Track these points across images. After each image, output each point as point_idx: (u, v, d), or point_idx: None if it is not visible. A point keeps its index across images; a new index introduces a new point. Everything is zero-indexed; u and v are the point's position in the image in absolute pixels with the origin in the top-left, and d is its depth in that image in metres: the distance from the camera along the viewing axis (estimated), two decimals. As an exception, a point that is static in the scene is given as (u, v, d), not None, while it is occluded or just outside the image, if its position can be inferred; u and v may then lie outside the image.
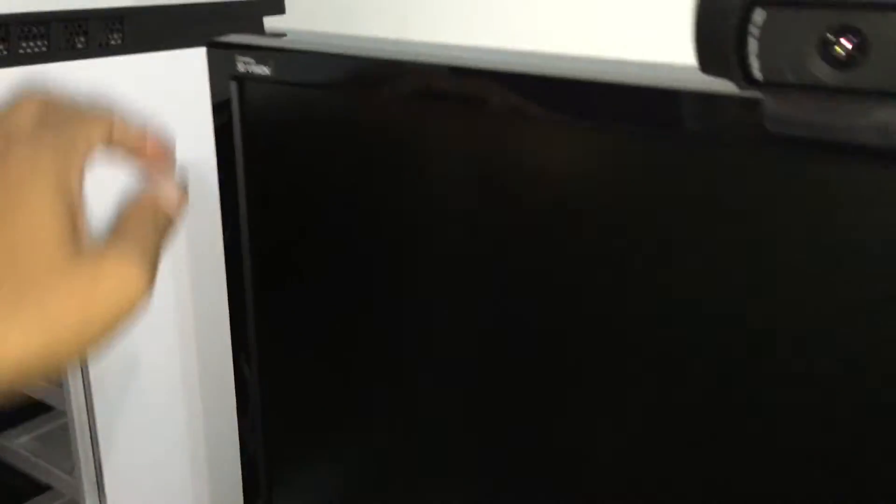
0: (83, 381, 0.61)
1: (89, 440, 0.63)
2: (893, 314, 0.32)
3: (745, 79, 0.30)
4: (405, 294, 0.50)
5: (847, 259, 0.32)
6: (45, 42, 0.52)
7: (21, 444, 0.71)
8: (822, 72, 0.29)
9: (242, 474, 0.66)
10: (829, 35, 0.28)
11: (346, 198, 0.50)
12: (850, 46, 0.28)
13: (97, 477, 0.64)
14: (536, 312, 0.43)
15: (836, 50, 0.29)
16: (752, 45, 0.30)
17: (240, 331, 0.58)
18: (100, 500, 0.64)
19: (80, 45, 0.54)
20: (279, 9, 0.66)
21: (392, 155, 0.46)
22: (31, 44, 0.51)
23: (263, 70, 0.46)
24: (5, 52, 0.51)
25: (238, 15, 0.62)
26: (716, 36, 0.31)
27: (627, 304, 0.39)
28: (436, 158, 0.45)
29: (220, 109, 0.50)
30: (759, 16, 0.29)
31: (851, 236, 0.32)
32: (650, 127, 0.35)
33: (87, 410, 0.62)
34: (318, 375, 0.58)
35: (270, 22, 0.66)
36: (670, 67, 0.35)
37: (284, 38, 0.61)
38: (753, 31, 0.30)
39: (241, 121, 0.50)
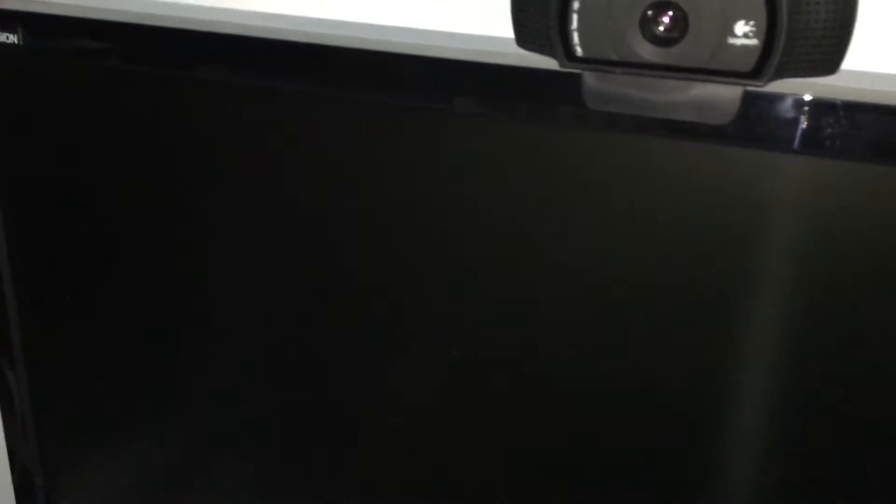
0: None
1: None
2: (692, 297, 0.32)
3: (568, 56, 0.29)
4: (171, 287, 0.45)
5: (649, 237, 0.33)
6: None
7: None
8: (644, 49, 0.28)
9: (14, 482, 0.59)
10: (649, 12, 0.28)
11: (102, 182, 0.44)
12: (669, 23, 0.28)
13: None
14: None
15: (656, 27, 0.28)
16: (573, 21, 0.29)
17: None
18: None
19: None
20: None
21: (148, 132, 0.41)
22: None
23: (9, 38, 0.39)
24: None
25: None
26: (537, 12, 0.29)
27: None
28: (193, 135, 0.41)
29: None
30: (579, -10, 0.28)
31: (667, 215, 0.32)
32: (468, 103, 0.33)
33: None
34: (89, 376, 0.52)
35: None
36: (488, 40, 0.33)
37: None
38: (575, 6, 0.28)
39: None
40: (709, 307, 0.32)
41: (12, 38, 0.39)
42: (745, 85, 0.28)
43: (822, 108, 0.28)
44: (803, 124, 0.28)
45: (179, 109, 0.40)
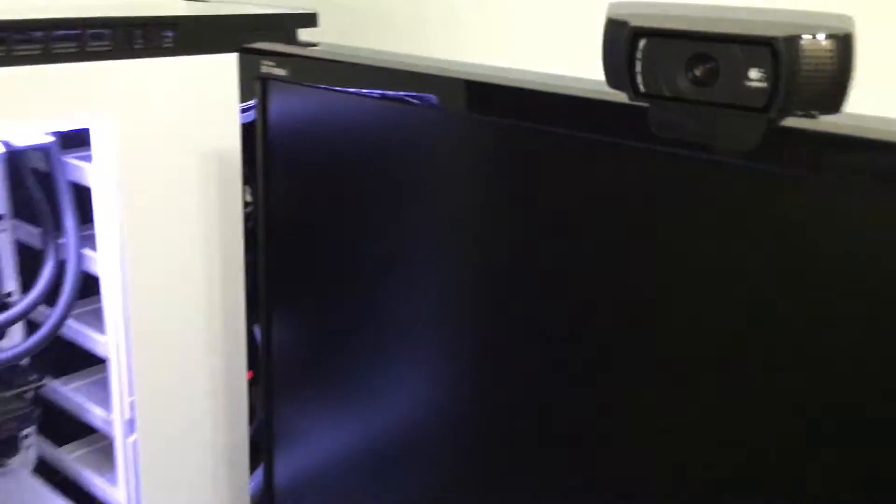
0: (125, 336, 0.71)
1: (126, 386, 0.73)
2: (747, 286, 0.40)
3: (635, 92, 0.39)
4: (405, 285, 0.58)
5: (707, 235, 0.40)
6: (111, 42, 0.63)
7: (71, 390, 0.82)
8: (686, 88, 0.37)
9: (250, 422, 0.76)
10: (690, 60, 0.37)
11: (347, 188, 0.59)
12: (704, 70, 0.37)
13: (132, 419, 0.74)
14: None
15: (695, 72, 0.37)
16: (637, 66, 0.38)
17: (254, 304, 0.68)
18: (128, 436, 0.74)
19: (137, 46, 0.64)
20: (312, 23, 0.76)
21: (381, 152, 0.56)
22: (97, 43, 0.62)
23: (281, 72, 0.56)
24: (74, 51, 0.61)
25: (275, 26, 0.72)
26: (614, 59, 0.39)
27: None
28: (423, 160, 0.54)
29: (247, 97, 0.60)
30: (641, 44, 0.38)
31: (713, 222, 0.40)
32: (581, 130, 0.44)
33: (126, 362, 0.72)
34: (321, 350, 0.67)
35: (304, 34, 0.76)
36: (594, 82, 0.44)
37: (308, 47, 0.70)
38: (638, 55, 0.38)
39: (262, 115, 0.60)
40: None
41: (283, 72, 0.56)
42: (758, 118, 0.35)
43: (823, 139, 0.35)
44: (809, 152, 0.35)
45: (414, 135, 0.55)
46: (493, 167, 0.50)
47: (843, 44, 0.34)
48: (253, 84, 0.59)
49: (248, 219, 0.70)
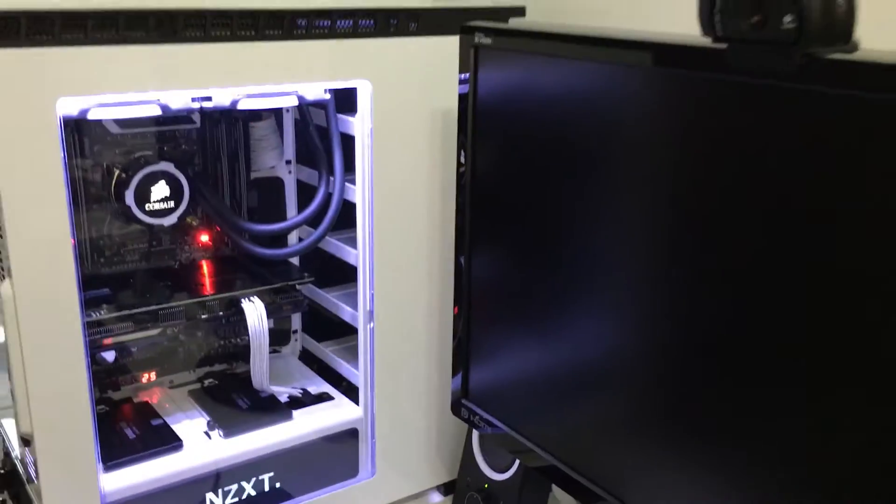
0: (370, 247, 0.96)
1: (369, 284, 0.98)
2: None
3: (714, 38, 0.56)
4: (595, 229, 0.75)
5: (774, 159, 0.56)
6: (373, 23, 0.88)
7: (331, 295, 1.09)
8: (748, 30, 0.53)
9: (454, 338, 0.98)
10: (749, 12, 0.53)
11: (546, 142, 0.79)
12: (759, 18, 0.53)
13: (371, 310, 0.99)
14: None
15: (752, 20, 0.53)
16: (717, 17, 0.55)
17: (461, 240, 0.90)
18: (370, 324, 0.99)
19: (392, 29, 0.89)
20: (521, 13, 0.97)
21: (575, 110, 0.75)
22: (365, 26, 0.87)
23: (487, 41, 0.78)
24: (350, 30, 0.87)
25: (492, 16, 0.94)
26: (703, 12, 0.56)
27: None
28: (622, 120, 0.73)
29: (464, 68, 0.83)
30: (718, 2, 0.55)
31: (776, 146, 0.55)
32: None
33: (369, 266, 0.97)
34: (514, 284, 0.87)
35: (514, 23, 0.97)
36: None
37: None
38: (717, 15, 0.55)
39: (474, 78, 0.82)
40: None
41: (489, 41, 0.78)
42: (793, 49, 0.51)
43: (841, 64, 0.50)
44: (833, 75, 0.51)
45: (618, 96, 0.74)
46: (665, 113, 0.68)
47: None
48: (468, 53, 0.81)
49: (461, 168, 0.93)
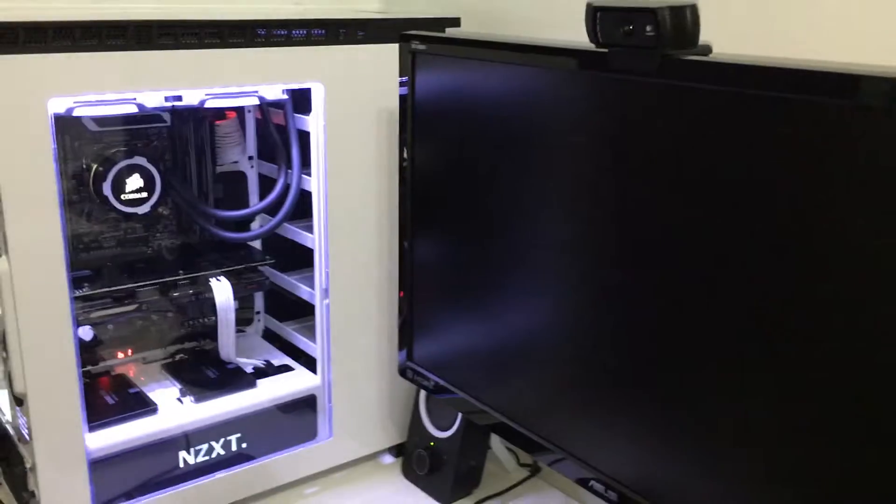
0: (324, 230, 1.08)
1: (324, 263, 1.10)
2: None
3: (597, 43, 0.69)
4: (523, 215, 0.90)
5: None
6: (324, 32, 1.00)
7: (290, 277, 1.21)
8: (620, 38, 0.67)
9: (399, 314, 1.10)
10: (621, 23, 0.66)
11: (479, 137, 0.92)
12: (627, 28, 0.66)
13: (326, 287, 1.11)
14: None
15: (623, 29, 0.67)
16: (598, 28, 0.68)
17: (404, 227, 1.03)
18: (325, 301, 1.11)
19: (341, 37, 1.01)
20: (457, 24, 1.10)
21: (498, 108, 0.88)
22: (317, 35, 0.99)
23: (423, 47, 0.91)
24: (303, 39, 0.99)
25: (431, 26, 1.07)
26: (587, 23, 0.70)
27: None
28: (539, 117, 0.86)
29: (403, 72, 0.95)
30: (598, 14, 0.68)
31: (649, 132, 0.69)
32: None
33: (324, 247, 1.09)
34: (452, 266, 1.00)
35: (450, 32, 1.10)
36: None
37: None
38: (597, 20, 0.68)
39: (412, 80, 0.95)
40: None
41: (423, 48, 0.91)
42: (653, 52, 0.65)
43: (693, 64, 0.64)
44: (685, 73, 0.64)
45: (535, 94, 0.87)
46: (568, 107, 0.81)
47: (691, 10, 0.62)
48: (406, 58, 0.94)
49: (403, 162, 1.05)
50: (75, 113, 0.91)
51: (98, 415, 1.01)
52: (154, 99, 0.97)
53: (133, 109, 0.95)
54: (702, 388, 0.69)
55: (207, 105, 1.00)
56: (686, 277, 0.69)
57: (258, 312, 1.29)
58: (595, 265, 0.78)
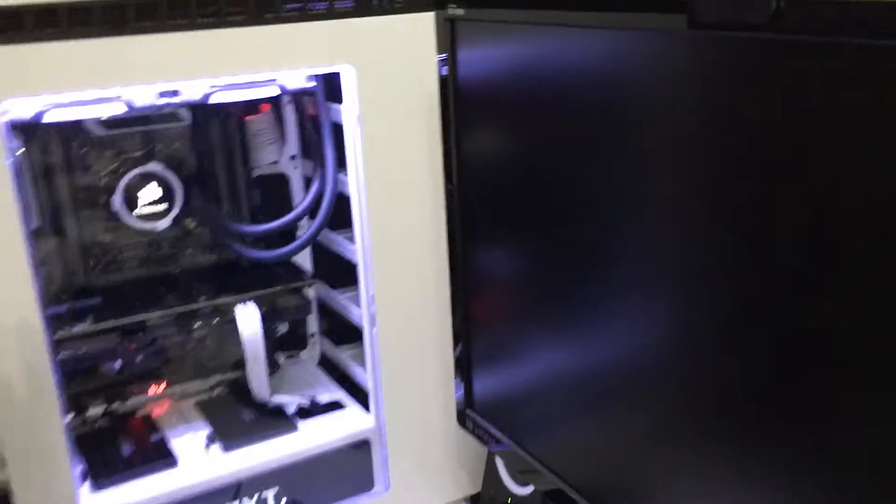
0: (367, 242, 0.89)
1: (369, 282, 0.90)
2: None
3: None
4: (600, 214, 0.65)
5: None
6: (351, 2, 0.80)
7: (341, 296, 1.03)
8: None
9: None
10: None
11: (538, 119, 0.70)
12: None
13: (373, 313, 0.91)
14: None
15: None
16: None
17: (453, 235, 0.82)
18: (374, 329, 0.91)
19: (373, 6, 0.81)
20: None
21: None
22: (337, 3, 0.79)
23: (461, 13, 0.69)
24: (325, 11, 0.79)
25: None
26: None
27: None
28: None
29: (443, 47, 0.74)
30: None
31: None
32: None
33: (368, 264, 0.89)
34: (518, 280, 0.78)
35: None
36: None
37: None
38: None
39: (453, 53, 0.73)
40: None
41: (461, 13, 0.69)
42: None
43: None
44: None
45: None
46: (653, 76, 0.58)
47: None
48: (444, 29, 0.73)
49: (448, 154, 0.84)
50: (46, 118, 0.75)
51: (107, 470, 0.86)
52: (145, 95, 0.79)
53: (121, 109, 0.78)
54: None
55: (213, 100, 0.82)
56: (827, 294, 0.45)
57: (312, 335, 1.12)
58: (701, 281, 0.55)
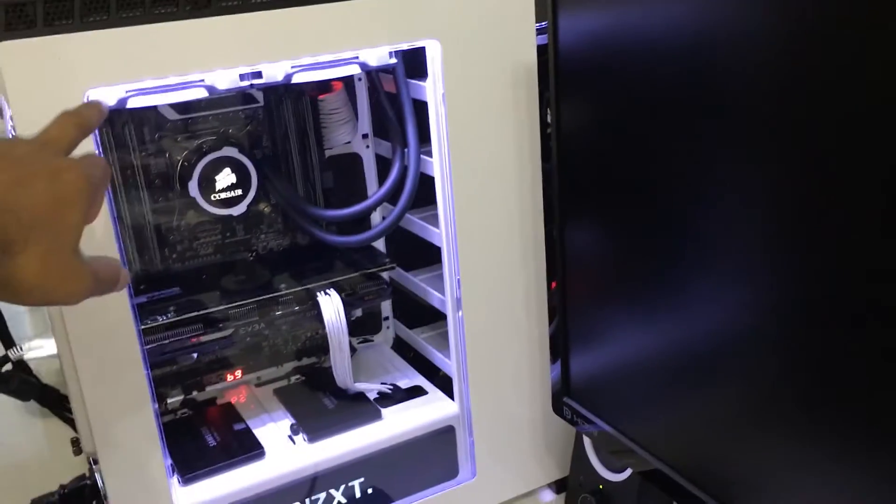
0: (453, 226, 0.85)
1: (455, 268, 0.87)
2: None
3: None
4: (708, 192, 0.61)
5: None
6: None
7: (419, 279, 1.00)
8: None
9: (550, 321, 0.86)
10: None
11: (646, 91, 0.66)
12: None
13: (459, 297, 0.88)
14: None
15: None
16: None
17: (550, 211, 0.78)
18: (458, 313, 0.88)
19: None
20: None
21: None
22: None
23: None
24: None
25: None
26: None
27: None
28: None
29: (542, 14, 0.70)
30: None
31: None
32: None
33: (454, 247, 0.86)
34: (616, 259, 0.74)
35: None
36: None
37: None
38: None
39: (554, 20, 0.69)
40: None
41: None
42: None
43: None
44: None
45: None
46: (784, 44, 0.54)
47: None
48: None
49: (547, 132, 0.80)
50: (130, 104, 0.72)
51: (195, 462, 0.84)
52: (226, 78, 0.76)
53: (202, 94, 0.75)
54: None
55: (295, 80, 0.79)
56: None
57: (386, 318, 1.09)
58: (797, 251, 0.53)
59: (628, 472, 0.87)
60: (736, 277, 0.60)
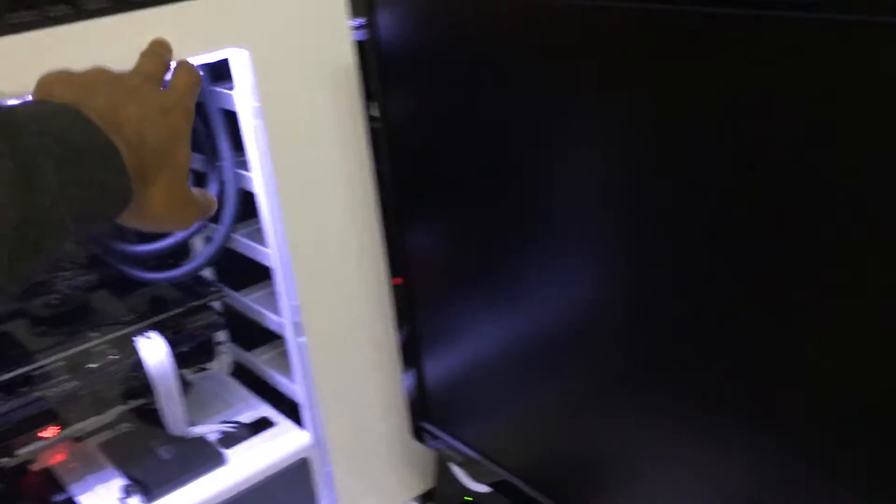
0: (283, 246, 0.77)
1: (291, 291, 0.79)
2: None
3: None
4: (542, 179, 0.59)
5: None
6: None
7: (252, 300, 0.91)
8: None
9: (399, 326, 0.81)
10: None
11: (473, 80, 0.60)
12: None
13: (299, 319, 0.81)
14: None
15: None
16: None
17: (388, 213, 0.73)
18: (300, 335, 0.81)
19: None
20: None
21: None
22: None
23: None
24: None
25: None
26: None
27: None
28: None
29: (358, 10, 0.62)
30: None
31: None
32: None
33: (286, 270, 0.78)
34: (458, 255, 0.70)
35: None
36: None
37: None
38: None
39: (371, 16, 0.62)
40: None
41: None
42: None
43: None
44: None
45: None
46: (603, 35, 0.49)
47: None
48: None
49: (374, 130, 0.73)
50: None
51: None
52: (17, 95, 0.64)
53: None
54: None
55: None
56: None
57: (219, 343, 0.99)
58: (644, 238, 0.53)
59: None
60: (568, 270, 0.59)
